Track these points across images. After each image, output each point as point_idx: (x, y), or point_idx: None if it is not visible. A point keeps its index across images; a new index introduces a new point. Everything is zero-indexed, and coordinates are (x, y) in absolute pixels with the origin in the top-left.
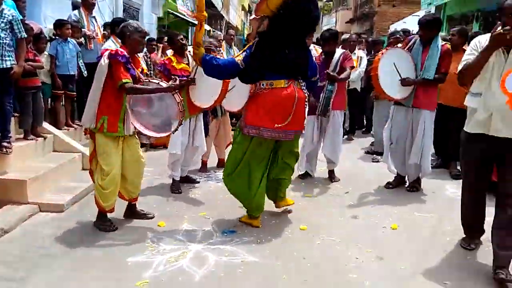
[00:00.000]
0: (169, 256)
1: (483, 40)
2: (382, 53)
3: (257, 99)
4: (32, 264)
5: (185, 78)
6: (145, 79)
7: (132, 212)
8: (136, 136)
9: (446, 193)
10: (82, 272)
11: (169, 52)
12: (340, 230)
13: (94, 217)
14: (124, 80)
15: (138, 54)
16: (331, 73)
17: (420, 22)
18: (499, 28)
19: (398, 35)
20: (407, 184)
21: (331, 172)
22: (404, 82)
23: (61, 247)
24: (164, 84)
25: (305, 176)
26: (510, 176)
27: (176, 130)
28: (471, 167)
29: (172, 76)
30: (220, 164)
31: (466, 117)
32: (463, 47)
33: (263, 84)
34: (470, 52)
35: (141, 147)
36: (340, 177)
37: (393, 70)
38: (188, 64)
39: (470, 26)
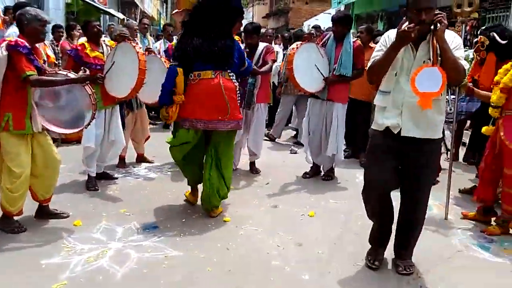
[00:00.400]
0: (87, 256)
1: (392, 35)
2: (297, 47)
3: (187, 92)
4: None
5: (99, 68)
6: (52, 71)
7: (44, 212)
8: (46, 133)
9: (356, 180)
10: None
11: (83, 39)
12: (262, 220)
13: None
14: (28, 73)
15: (41, 43)
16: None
17: (333, 19)
18: (405, 24)
19: (312, 31)
20: (322, 173)
21: (252, 164)
22: (328, 81)
23: None
24: (72, 75)
25: None
26: (411, 185)
27: (89, 124)
28: (374, 162)
29: (83, 66)
30: (139, 159)
31: (372, 110)
32: (370, 44)
33: (191, 76)
34: (379, 48)
35: (54, 141)
36: (260, 169)
37: (308, 64)
38: (102, 53)
39: (376, 25)
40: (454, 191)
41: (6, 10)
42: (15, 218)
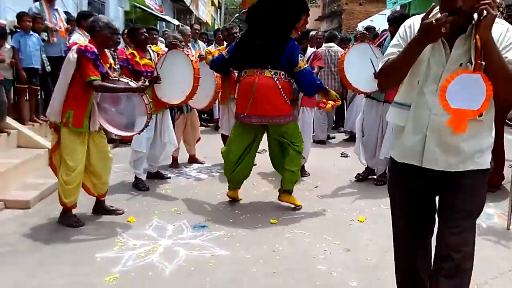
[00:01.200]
0: (138, 251)
1: (416, 24)
2: (349, 48)
3: (237, 89)
4: None
5: (149, 74)
6: (115, 77)
7: (101, 208)
8: (103, 132)
9: None
10: (50, 268)
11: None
12: (310, 224)
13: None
14: (92, 77)
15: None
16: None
17: (389, 19)
18: (434, 11)
19: (364, 31)
20: (376, 177)
21: (301, 168)
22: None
23: (28, 244)
24: (133, 84)
25: None
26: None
27: (142, 130)
28: (398, 210)
29: (142, 77)
30: (191, 160)
31: None
32: None
33: (241, 73)
34: (396, 43)
35: (110, 143)
36: (310, 172)
37: (360, 64)
38: (150, 59)
39: None
40: None
41: (69, 19)
42: (75, 212)
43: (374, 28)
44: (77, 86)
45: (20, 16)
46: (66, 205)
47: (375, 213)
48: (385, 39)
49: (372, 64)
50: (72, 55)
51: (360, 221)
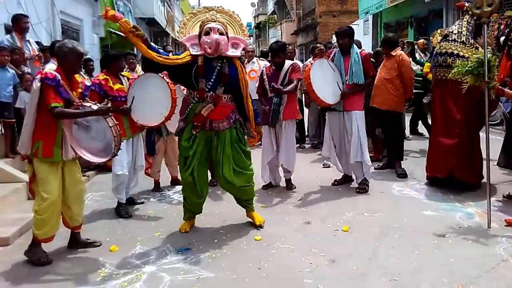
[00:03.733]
0: (122, 280)
1: None
2: (311, 63)
3: None
4: None
5: (123, 100)
6: (78, 103)
7: (76, 242)
8: (77, 161)
9: (393, 192)
10: None
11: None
12: (295, 237)
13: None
14: (53, 104)
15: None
16: (276, 86)
17: (336, 33)
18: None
19: (321, 47)
20: (356, 186)
21: (288, 181)
22: (344, 94)
23: (7, 283)
24: (96, 107)
25: (269, 186)
26: None
27: (115, 155)
28: None
29: (106, 99)
30: (174, 181)
31: (396, 119)
32: (392, 53)
33: None
34: None
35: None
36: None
37: (324, 78)
38: (122, 84)
39: (406, 32)
40: (498, 197)
41: (43, 50)
42: (45, 246)
43: (331, 42)
44: (43, 115)
45: None
46: (38, 237)
47: (358, 221)
48: (334, 54)
49: (338, 85)
50: (35, 84)
51: (344, 231)
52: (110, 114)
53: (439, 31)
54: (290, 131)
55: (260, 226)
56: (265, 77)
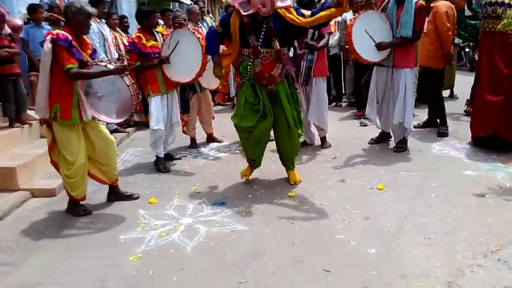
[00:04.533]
0: (160, 231)
1: None
2: (355, 18)
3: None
4: (27, 248)
5: (157, 56)
6: (92, 63)
7: (115, 194)
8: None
9: (432, 151)
10: (76, 252)
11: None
12: (328, 194)
13: (89, 197)
14: (68, 66)
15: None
16: (310, 42)
17: None
18: None
19: None
20: (394, 145)
21: (322, 139)
22: (380, 46)
23: (55, 230)
24: (111, 67)
25: (304, 145)
26: None
27: (132, 114)
28: None
29: (142, 56)
30: (209, 139)
31: (433, 76)
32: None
33: None
34: None
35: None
36: (329, 143)
37: (369, 34)
38: (156, 41)
39: None
40: None
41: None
42: (84, 202)
43: None
44: (58, 78)
45: (34, 8)
46: (74, 197)
47: (394, 180)
48: (388, 2)
49: (370, 36)
50: (47, 46)
51: (379, 189)
52: (126, 72)
53: None
54: (321, 88)
55: (294, 184)
56: None
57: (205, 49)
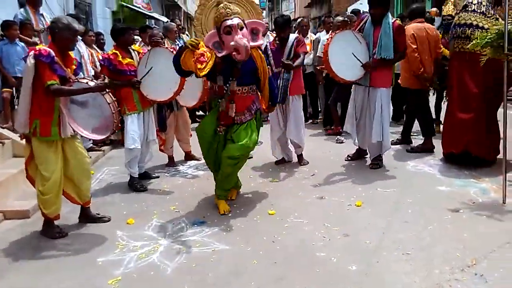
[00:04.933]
0: (139, 252)
1: None
2: (332, 37)
3: None
4: (1, 269)
5: (132, 74)
6: (74, 79)
7: (86, 216)
8: (78, 137)
9: (407, 167)
10: (53, 274)
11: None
12: (308, 212)
13: (64, 217)
14: (49, 82)
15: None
16: (286, 61)
17: (368, 1)
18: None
19: (346, 18)
20: (369, 162)
21: (299, 156)
22: (366, 67)
23: (30, 252)
24: (92, 84)
25: (281, 162)
26: None
27: (113, 132)
28: None
29: (117, 74)
30: (187, 157)
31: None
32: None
33: None
34: None
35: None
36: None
37: (345, 53)
38: (132, 58)
39: (423, 4)
40: None
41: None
42: (61, 219)
43: (359, 11)
44: (39, 93)
45: (8, 24)
46: (47, 215)
47: (372, 196)
48: (365, 22)
49: (356, 57)
50: (29, 61)
51: (358, 206)
52: (107, 90)
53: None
54: (297, 106)
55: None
56: (269, 52)
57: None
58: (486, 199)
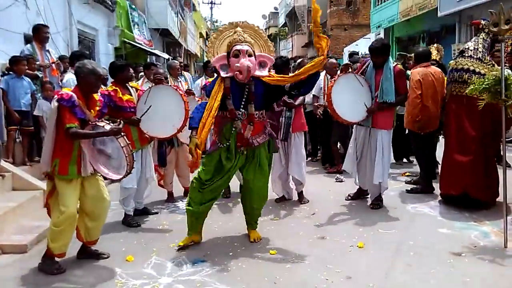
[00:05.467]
0: None
1: None
2: (335, 80)
3: None
4: None
5: (132, 110)
6: (93, 122)
7: (85, 252)
8: (100, 176)
9: (407, 208)
10: None
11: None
12: (309, 252)
13: None
14: (68, 125)
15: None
16: (288, 100)
17: (370, 49)
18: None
19: (348, 62)
20: (370, 202)
21: (300, 194)
22: (370, 111)
23: None
24: (108, 127)
25: (282, 200)
26: None
27: (127, 174)
28: None
29: (117, 110)
30: (186, 192)
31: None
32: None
33: None
34: None
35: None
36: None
37: (348, 95)
38: (131, 95)
39: (417, 47)
40: None
41: (62, 58)
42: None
43: (357, 53)
44: (61, 134)
45: (17, 60)
46: (52, 250)
47: (374, 237)
48: (367, 66)
49: (365, 103)
50: (53, 104)
51: (360, 247)
52: (122, 134)
53: (434, 45)
54: (299, 143)
55: (255, 241)
56: None
57: (190, 120)
58: (487, 243)
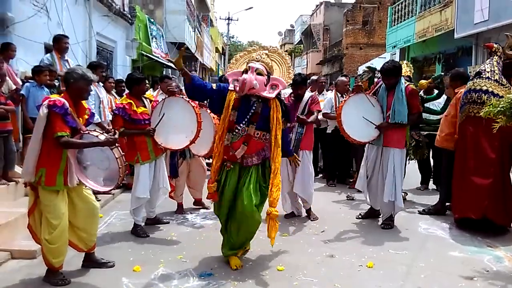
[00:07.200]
0: None
1: None
2: (345, 100)
3: None
4: None
5: (147, 122)
6: (85, 131)
7: (90, 261)
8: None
9: (418, 229)
10: None
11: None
12: (317, 270)
13: (67, 262)
14: (59, 133)
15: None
16: (301, 116)
17: (381, 71)
18: None
19: (359, 83)
20: (381, 221)
21: (308, 211)
22: (382, 128)
23: None
24: (102, 138)
25: (291, 216)
26: None
27: (117, 187)
28: None
29: (132, 123)
30: (196, 203)
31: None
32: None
33: None
34: None
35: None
36: (316, 216)
37: (358, 115)
38: (145, 107)
39: (433, 68)
40: None
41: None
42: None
43: (375, 69)
44: (48, 142)
45: (40, 70)
46: (54, 265)
47: (383, 258)
48: (380, 87)
49: (369, 121)
50: (42, 111)
51: (369, 267)
52: (116, 145)
53: (405, 61)
54: (307, 161)
55: (235, 269)
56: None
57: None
58: (500, 268)
